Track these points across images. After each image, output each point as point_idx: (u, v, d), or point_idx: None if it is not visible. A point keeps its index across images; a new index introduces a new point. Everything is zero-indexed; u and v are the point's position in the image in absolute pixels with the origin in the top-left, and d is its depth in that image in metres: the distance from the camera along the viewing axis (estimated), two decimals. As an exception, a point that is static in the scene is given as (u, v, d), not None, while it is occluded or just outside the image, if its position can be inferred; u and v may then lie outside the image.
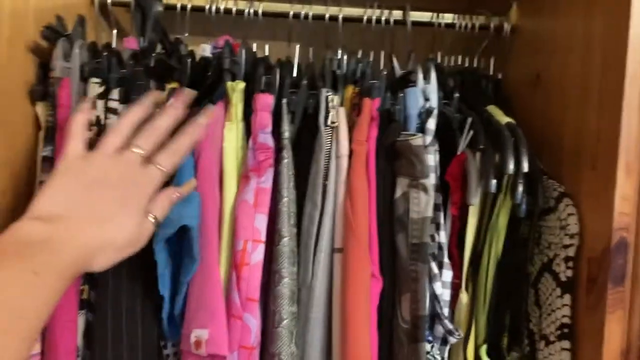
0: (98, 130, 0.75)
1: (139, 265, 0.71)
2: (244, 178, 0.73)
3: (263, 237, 0.70)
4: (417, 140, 0.72)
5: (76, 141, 0.60)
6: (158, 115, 0.64)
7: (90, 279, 0.76)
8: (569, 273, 0.71)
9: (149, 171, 0.61)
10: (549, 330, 0.72)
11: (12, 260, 0.49)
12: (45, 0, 0.78)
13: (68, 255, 0.53)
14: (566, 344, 0.70)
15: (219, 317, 0.68)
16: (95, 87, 0.75)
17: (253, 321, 0.69)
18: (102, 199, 0.57)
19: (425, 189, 0.72)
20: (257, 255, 0.70)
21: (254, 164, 0.72)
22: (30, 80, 0.75)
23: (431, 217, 0.72)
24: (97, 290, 0.73)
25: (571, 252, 0.71)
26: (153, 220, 0.61)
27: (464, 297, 0.76)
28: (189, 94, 0.68)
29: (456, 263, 0.77)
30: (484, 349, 0.76)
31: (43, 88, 0.76)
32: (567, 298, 0.71)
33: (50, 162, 0.74)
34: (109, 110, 0.75)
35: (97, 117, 0.75)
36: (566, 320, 0.71)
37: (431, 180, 0.73)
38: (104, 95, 0.76)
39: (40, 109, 0.76)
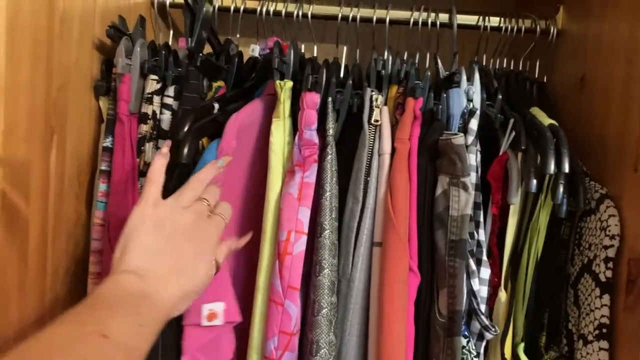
0: (153, 124, 0.80)
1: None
2: (289, 172, 0.75)
3: (306, 229, 0.73)
4: (459, 139, 0.73)
5: (155, 188, 0.64)
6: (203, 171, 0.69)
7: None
8: (609, 274, 0.71)
9: (215, 221, 0.66)
10: (587, 330, 0.72)
11: (123, 313, 0.53)
12: (109, 2, 0.84)
13: (161, 307, 0.57)
14: (604, 344, 0.70)
15: (230, 291, 0.72)
16: (153, 83, 0.80)
17: (294, 308, 0.71)
18: (180, 251, 0.61)
19: (465, 187, 0.73)
20: (300, 245, 0.72)
21: (300, 159, 0.75)
22: (95, 76, 0.81)
23: (470, 214, 0.73)
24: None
25: (611, 252, 0.71)
26: (216, 265, 0.65)
27: (502, 295, 0.77)
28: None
29: (496, 262, 0.79)
30: (521, 347, 0.77)
31: (106, 83, 0.81)
32: (606, 298, 0.71)
33: (109, 152, 0.79)
34: (164, 105, 0.80)
35: (153, 112, 0.80)
36: (605, 320, 0.71)
37: (472, 178, 0.75)
38: (160, 92, 0.80)
39: (103, 103, 0.81)
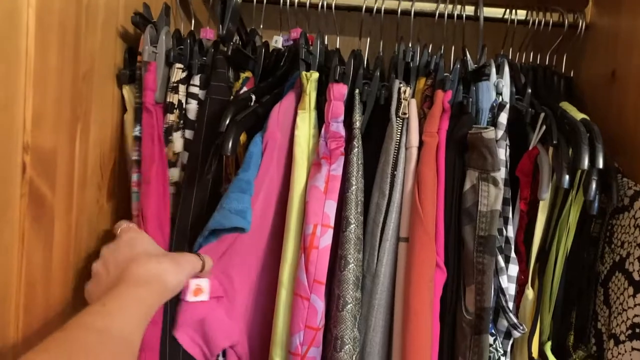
0: (179, 113, 0.79)
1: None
2: (315, 165, 0.74)
3: (332, 223, 0.71)
4: (490, 133, 0.72)
5: None
6: None
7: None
8: (643, 272, 0.70)
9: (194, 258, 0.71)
10: (619, 329, 0.71)
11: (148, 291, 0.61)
12: (133, -11, 0.83)
13: (168, 293, 0.65)
14: (637, 344, 0.69)
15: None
16: (178, 72, 0.79)
17: (320, 303, 0.70)
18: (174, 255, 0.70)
19: (495, 182, 0.72)
20: (326, 239, 0.71)
21: (326, 151, 0.74)
22: (118, 64, 0.80)
23: (500, 210, 0.72)
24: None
25: (646, 251, 0.70)
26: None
27: (529, 293, 0.76)
28: None
29: (522, 259, 0.77)
30: (548, 346, 0.76)
31: (130, 72, 0.80)
32: (639, 297, 0.69)
33: (139, 141, 0.78)
34: (190, 95, 0.79)
35: (179, 101, 0.79)
36: (638, 320, 0.69)
37: (502, 173, 0.73)
38: (186, 81, 0.79)
39: (127, 91, 0.80)
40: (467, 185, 0.74)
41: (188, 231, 0.76)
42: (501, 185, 0.72)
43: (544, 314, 0.76)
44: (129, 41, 0.81)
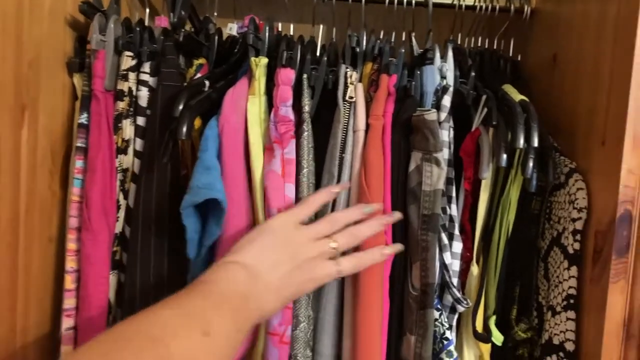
0: (130, 100, 0.80)
1: (168, 229, 0.76)
2: (268, 149, 0.76)
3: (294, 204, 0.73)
4: (432, 115, 0.74)
5: (306, 211, 0.69)
6: (366, 223, 0.71)
7: (123, 241, 0.81)
8: (577, 246, 0.73)
9: (329, 267, 0.67)
10: (555, 301, 0.74)
11: (227, 314, 0.55)
12: (82, -23, 0.83)
13: (258, 317, 0.60)
14: (571, 314, 0.72)
15: None
16: (128, 60, 0.80)
17: None
18: (291, 278, 0.64)
19: (437, 163, 0.74)
20: None
21: (277, 135, 0.75)
22: (68, 52, 0.80)
23: (443, 189, 0.74)
24: (128, 252, 0.78)
25: (579, 225, 0.73)
26: None
27: (474, 269, 0.79)
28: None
29: (468, 236, 0.80)
30: (493, 320, 0.79)
31: (80, 60, 0.80)
32: (574, 270, 0.73)
33: (85, 129, 0.79)
34: (140, 82, 0.80)
35: (129, 89, 0.80)
36: (572, 291, 0.73)
37: (444, 154, 0.76)
38: (135, 68, 0.80)
39: (77, 79, 0.81)
40: (412, 166, 0.77)
41: (153, 215, 0.77)
42: (443, 165, 0.74)
43: (489, 289, 0.79)
44: (80, 30, 0.82)
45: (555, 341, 0.73)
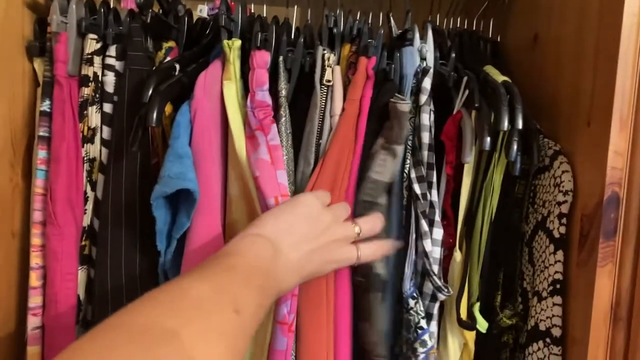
0: (95, 86, 0.76)
1: (139, 220, 0.72)
2: (250, 137, 0.72)
3: (288, 191, 0.70)
4: (404, 107, 0.70)
5: (328, 197, 0.69)
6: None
7: (92, 235, 0.77)
8: (562, 230, 0.71)
9: (351, 251, 0.67)
10: (541, 286, 0.73)
11: (254, 289, 0.53)
12: (42, -44, 0.78)
13: (277, 293, 0.59)
14: (558, 299, 0.71)
15: None
16: (92, 43, 0.76)
17: None
18: (313, 257, 0.63)
19: (394, 155, 0.71)
20: None
21: (256, 122, 0.72)
22: (27, 36, 0.76)
23: (389, 182, 0.72)
24: (98, 246, 0.74)
25: (565, 208, 0.71)
26: None
27: (457, 255, 0.77)
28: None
29: (450, 222, 0.78)
30: (477, 307, 0.77)
31: (40, 44, 0.76)
32: (560, 254, 0.71)
33: (48, 117, 0.74)
34: (106, 67, 0.76)
35: (95, 74, 0.76)
36: (558, 276, 0.71)
37: (424, 139, 0.74)
38: (101, 52, 0.76)
39: (38, 64, 0.76)
40: (373, 151, 0.74)
41: (123, 205, 0.73)
42: (399, 158, 0.72)
43: (472, 276, 0.78)
44: (39, 11, 0.77)
45: (542, 327, 0.72)
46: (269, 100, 0.74)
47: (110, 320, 0.44)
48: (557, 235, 0.72)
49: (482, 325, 0.76)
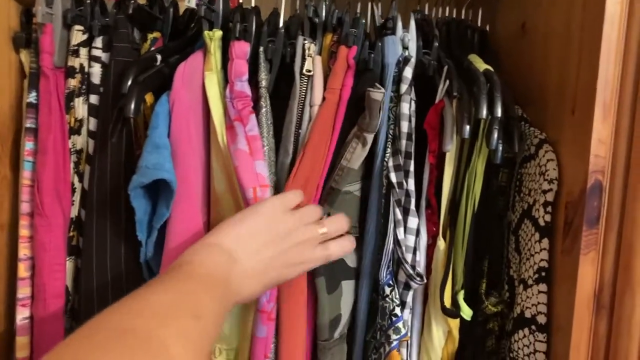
0: (82, 77, 0.76)
1: (124, 211, 0.73)
2: (229, 128, 0.73)
3: (267, 181, 0.71)
4: (376, 95, 0.70)
5: (295, 198, 0.68)
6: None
7: (79, 226, 0.78)
8: (548, 218, 0.71)
9: (318, 252, 0.68)
10: (527, 274, 0.72)
11: (214, 297, 0.54)
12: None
13: (235, 301, 0.60)
14: (543, 287, 0.70)
15: None
16: (78, 34, 0.76)
17: None
18: (274, 263, 0.63)
19: (364, 143, 0.71)
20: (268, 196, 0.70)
21: (235, 112, 0.72)
22: (14, 27, 0.77)
23: (356, 170, 0.72)
24: (84, 236, 0.75)
25: (550, 197, 0.71)
26: None
27: (441, 244, 0.76)
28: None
29: (434, 211, 0.78)
30: (461, 295, 0.76)
31: (26, 35, 0.77)
32: (545, 242, 0.71)
33: (34, 109, 0.75)
34: (92, 58, 0.77)
35: (81, 65, 0.76)
36: (544, 264, 0.71)
37: (403, 128, 0.74)
38: (87, 43, 0.77)
39: (25, 56, 0.77)
40: (348, 140, 0.74)
41: (108, 196, 0.74)
42: (367, 147, 0.72)
43: (456, 264, 0.77)
44: (26, 3, 0.78)
45: (527, 314, 0.72)
46: (248, 90, 0.74)
47: (87, 324, 0.45)
48: (542, 223, 0.71)
49: (467, 313, 0.76)
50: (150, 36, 0.79)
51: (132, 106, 0.66)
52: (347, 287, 0.75)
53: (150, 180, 0.65)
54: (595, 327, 0.67)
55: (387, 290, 0.73)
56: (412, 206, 0.74)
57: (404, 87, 0.74)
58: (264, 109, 0.74)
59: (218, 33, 0.74)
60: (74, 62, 0.76)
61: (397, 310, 0.73)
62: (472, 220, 0.76)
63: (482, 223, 0.77)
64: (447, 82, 0.75)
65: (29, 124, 0.76)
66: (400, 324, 0.73)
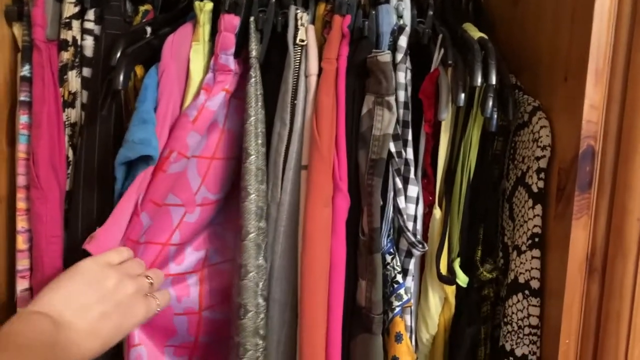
0: (74, 50, 0.76)
1: (111, 183, 0.73)
2: (196, 94, 0.73)
3: (189, 154, 0.72)
4: (385, 57, 0.71)
5: (116, 256, 0.68)
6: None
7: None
8: (541, 184, 0.71)
9: (150, 302, 0.68)
10: (521, 240, 0.73)
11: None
12: None
13: None
14: (536, 252, 0.71)
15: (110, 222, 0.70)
16: (70, 7, 0.76)
17: (147, 220, 0.72)
18: (106, 319, 0.62)
19: (389, 107, 0.72)
20: (176, 167, 0.71)
21: (210, 83, 0.73)
22: (6, 0, 0.76)
23: (392, 134, 0.72)
24: (71, 207, 0.76)
25: (543, 163, 0.71)
26: None
27: (437, 212, 0.77)
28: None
29: (431, 180, 0.78)
30: (457, 262, 0.77)
31: (19, 8, 0.76)
32: (538, 208, 0.71)
33: (28, 82, 0.75)
34: (85, 31, 0.76)
35: (74, 38, 0.76)
36: (537, 230, 0.71)
37: (399, 97, 0.74)
38: (79, 16, 0.76)
39: (17, 29, 0.77)
40: (364, 110, 0.75)
41: (95, 168, 0.75)
42: (395, 109, 0.72)
43: (452, 232, 0.78)
44: (16, -24, 0.78)
45: (521, 280, 0.73)
46: (232, 65, 0.74)
47: None
48: (535, 189, 0.72)
49: (463, 280, 0.77)
50: (142, 8, 0.79)
51: (121, 78, 0.67)
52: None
53: (136, 155, 0.67)
54: (588, 290, 0.68)
55: (388, 258, 0.74)
56: (412, 175, 0.74)
57: (399, 56, 0.74)
58: (252, 79, 0.74)
59: (209, 5, 0.74)
60: (67, 35, 0.76)
61: (399, 278, 0.74)
62: (468, 189, 0.76)
63: (477, 191, 0.78)
64: (442, 50, 0.75)
65: (23, 97, 0.76)
66: (402, 291, 0.74)
